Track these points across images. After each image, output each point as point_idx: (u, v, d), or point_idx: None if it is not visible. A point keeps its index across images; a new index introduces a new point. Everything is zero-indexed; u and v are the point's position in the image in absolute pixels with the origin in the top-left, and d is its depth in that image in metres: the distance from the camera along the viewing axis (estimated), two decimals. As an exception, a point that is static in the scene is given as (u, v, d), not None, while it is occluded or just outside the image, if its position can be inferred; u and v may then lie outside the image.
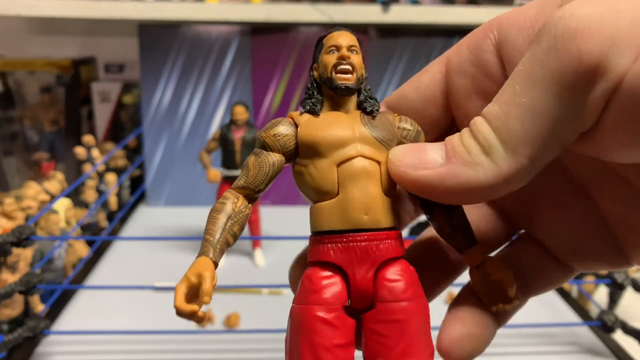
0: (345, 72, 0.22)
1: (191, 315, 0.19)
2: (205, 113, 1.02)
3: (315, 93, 0.23)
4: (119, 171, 0.99)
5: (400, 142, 0.23)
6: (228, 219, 0.21)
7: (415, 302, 0.21)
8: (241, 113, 0.78)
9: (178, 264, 0.80)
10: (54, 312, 0.67)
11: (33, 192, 0.77)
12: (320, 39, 0.24)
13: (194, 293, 0.20)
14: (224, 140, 0.79)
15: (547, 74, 0.17)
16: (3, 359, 0.56)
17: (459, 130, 0.20)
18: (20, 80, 1.13)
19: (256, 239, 0.85)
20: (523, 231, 0.26)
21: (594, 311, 0.70)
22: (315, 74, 0.23)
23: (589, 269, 0.24)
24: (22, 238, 0.57)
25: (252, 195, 0.22)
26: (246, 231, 0.85)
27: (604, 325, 0.61)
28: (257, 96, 1.02)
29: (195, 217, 0.98)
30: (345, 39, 0.23)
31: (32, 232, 0.58)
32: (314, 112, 0.22)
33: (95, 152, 0.94)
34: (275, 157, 0.22)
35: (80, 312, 0.68)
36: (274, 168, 0.22)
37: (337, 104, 0.22)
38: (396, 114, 0.24)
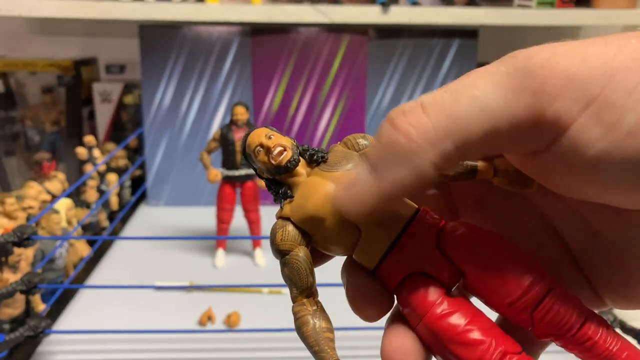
0: (280, 153, 0.23)
1: None
2: (205, 113, 1.02)
3: (277, 187, 0.24)
4: (120, 171, 1.00)
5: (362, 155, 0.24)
6: (314, 325, 0.23)
7: (485, 238, 0.22)
8: (241, 113, 0.78)
9: (179, 264, 0.81)
10: (55, 311, 0.67)
11: (34, 192, 0.77)
12: (244, 151, 0.25)
13: None
14: (224, 141, 0.79)
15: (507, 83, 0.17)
16: (4, 358, 0.56)
17: None
18: (21, 80, 1.13)
19: (256, 239, 0.85)
20: None
21: (593, 311, 0.70)
22: (265, 174, 0.25)
23: None
24: (23, 238, 0.57)
25: (310, 292, 0.24)
26: (246, 231, 0.86)
27: (602, 325, 0.61)
28: (258, 96, 1.03)
29: (196, 217, 0.98)
30: (259, 135, 0.24)
31: (33, 232, 0.58)
32: (288, 198, 0.24)
33: (96, 152, 0.94)
34: (299, 252, 0.23)
35: (81, 311, 0.69)
36: (307, 259, 0.23)
37: (296, 179, 0.24)
38: (340, 142, 0.25)
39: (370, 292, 0.22)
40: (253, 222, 0.84)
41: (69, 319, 0.67)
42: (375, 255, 0.22)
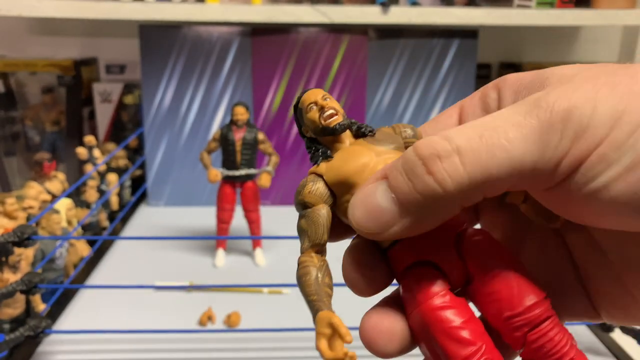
0: (332, 115, 0.24)
1: (343, 358, 0.20)
2: (205, 113, 1.02)
3: (317, 145, 0.25)
4: (120, 171, 1.00)
5: (406, 144, 0.25)
6: (317, 276, 0.23)
7: (501, 251, 0.22)
8: (241, 113, 0.78)
9: (179, 264, 0.81)
10: (56, 311, 0.67)
11: (34, 192, 0.77)
12: (296, 106, 0.26)
13: (335, 343, 0.21)
14: (224, 141, 0.79)
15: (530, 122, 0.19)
16: (4, 358, 0.56)
17: None
18: (21, 80, 1.13)
19: (256, 239, 0.85)
20: None
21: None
22: (308, 134, 0.25)
23: (564, 319, 0.24)
24: (23, 238, 0.57)
25: (320, 249, 0.24)
26: (246, 231, 0.86)
27: (602, 325, 0.61)
28: (258, 97, 1.03)
29: (196, 217, 0.98)
30: (316, 94, 0.25)
31: (33, 232, 0.58)
32: (327, 157, 0.24)
33: (96, 152, 0.94)
34: (322, 209, 0.24)
35: (81, 311, 0.69)
36: (327, 217, 0.23)
37: (338, 144, 0.25)
38: (388, 126, 0.26)
39: (373, 269, 0.23)
40: (253, 222, 0.84)
41: (69, 319, 0.67)
42: None
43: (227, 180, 0.81)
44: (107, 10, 0.89)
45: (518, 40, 1.23)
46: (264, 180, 0.79)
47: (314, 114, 0.24)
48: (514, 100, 0.22)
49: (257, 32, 1.00)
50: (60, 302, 0.69)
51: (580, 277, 0.24)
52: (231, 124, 0.79)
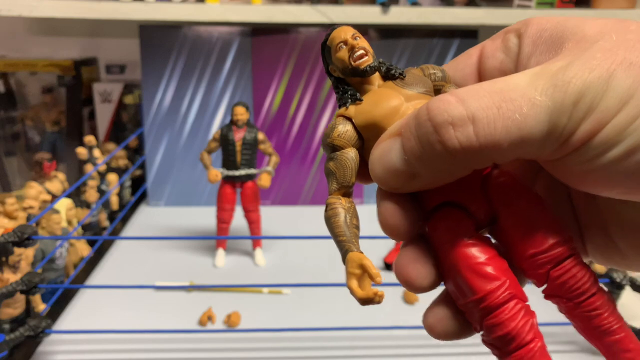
0: (362, 56, 0.24)
1: (374, 297, 0.21)
2: (206, 113, 1.03)
3: (345, 87, 0.25)
4: (120, 171, 1.00)
5: (435, 87, 0.25)
6: (345, 217, 0.23)
7: (525, 192, 0.23)
8: (242, 113, 0.78)
9: (179, 264, 0.81)
10: (56, 311, 0.67)
11: (34, 192, 0.77)
12: (324, 44, 0.26)
13: (365, 282, 0.22)
14: (224, 141, 0.79)
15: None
16: (4, 358, 0.56)
17: None
18: (21, 80, 1.13)
19: (256, 239, 0.85)
20: None
21: (592, 311, 0.70)
22: (336, 73, 0.25)
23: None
24: (23, 237, 0.57)
25: (348, 192, 0.24)
26: (246, 231, 0.86)
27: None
28: (258, 97, 1.03)
29: (196, 217, 0.98)
30: (346, 32, 0.24)
31: (33, 232, 0.58)
32: (356, 100, 0.24)
33: (96, 153, 0.94)
34: (350, 152, 0.24)
35: (81, 311, 0.69)
36: (355, 160, 0.24)
37: (367, 86, 0.24)
38: (417, 68, 0.26)
39: (405, 208, 0.23)
40: (253, 222, 0.84)
41: (69, 318, 0.67)
42: None
43: (227, 180, 0.81)
44: (107, 10, 0.89)
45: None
46: (264, 180, 0.79)
47: (343, 53, 0.24)
48: (533, 52, 0.23)
49: (257, 32, 1.00)
50: (60, 302, 0.69)
51: (576, 217, 0.25)
52: (231, 124, 0.79)
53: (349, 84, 0.25)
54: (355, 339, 0.62)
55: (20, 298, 0.61)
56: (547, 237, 0.22)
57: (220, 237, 0.83)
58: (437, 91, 0.25)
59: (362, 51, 0.24)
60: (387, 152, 0.22)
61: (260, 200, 0.85)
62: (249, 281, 0.75)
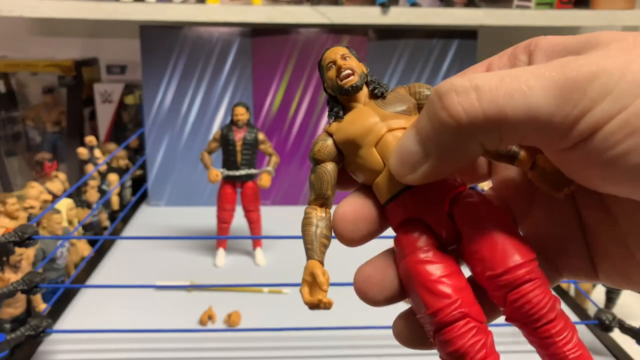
0: (347, 76, 0.26)
1: (319, 304, 0.23)
2: (206, 114, 1.03)
3: (333, 104, 0.27)
4: (121, 171, 1.00)
5: (419, 105, 0.26)
6: (316, 227, 0.25)
7: (491, 213, 0.23)
8: (242, 114, 0.79)
9: (179, 264, 0.81)
10: (56, 311, 0.67)
11: (35, 192, 0.77)
12: (319, 63, 0.28)
13: (314, 290, 0.23)
14: (224, 141, 0.79)
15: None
16: (5, 357, 0.56)
17: None
18: (22, 81, 1.13)
19: (257, 239, 0.85)
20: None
21: (591, 310, 0.70)
22: (329, 91, 0.27)
23: (564, 276, 0.25)
24: (24, 237, 0.57)
25: (325, 202, 0.26)
26: (246, 231, 0.86)
27: (601, 324, 0.61)
28: (258, 97, 1.03)
29: (196, 216, 0.98)
30: (336, 52, 0.27)
31: (34, 232, 0.58)
32: (338, 118, 0.26)
33: (97, 153, 0.94)
34: (328, 166, 0.26)
35: (82, 311, 0.69)
36: (332, 174, 0.25)
37: (353, 104, 0.26)
38: (406, 86, 0.27)
39: (367, 221, 0.24)
40: (253, 222, 0.84)
41: (70, 318, 0.67)
42: (390, 191, 0.24)
43: (227, 180, 0.81)
44: (107, 10, 0.89)
45: (517, 40, 1.22)
46: (264, 181, 0.79)
47: (332, 73, 0.26)
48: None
49: (257, 32, 1.00)
50: (61, 301, 0.69)
51: (586, 236, 0.24)
52: (231, 124, 0.79)
53: (339, 101, 0.26)
54: (355, 338, 0.62)
55: (21, 298, 0.62)
56: (507, 260, 0.22)
57: (220, 237, 0.83)
58: (420, 107, 0.26)
59: (348, 71, 0.26)
60: (403, 139, 0.22)
61: (261, 200, 0.85)
62: (249, 281, 0.75)
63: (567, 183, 0.23)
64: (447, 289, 0.22)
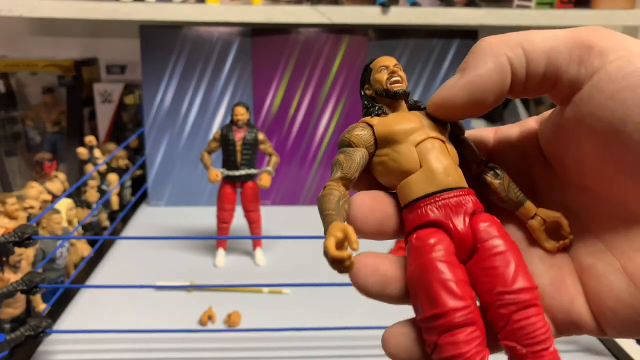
0: (398, 82, 0.27)
1: (344, 261, 0.21)
2: (206, 113, 1.03)
3: (375, 104, 0.27)
4: (121, 171, 1.00)
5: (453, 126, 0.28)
6: (339, 199, 0.24)
7: (508, 239, 0.24)
8: (242, 114, 0.79)
9: (179, 264, 0.81)
10: (56, 311, 0.67)
11: (35, 192, 0.77)
12: (368, 66, 0.28)
13: (342, 246, 0.22)
14: (224, 141, 0.79)
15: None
16: (5, 357, 0.56)
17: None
18: (22, 80, 1.13)
19: (256, 239, 0.85)
20: None
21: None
22: (369, 92, 0.28)
23: (572, 331, 0.25)
24: (24, 237, 0.57)
25: (348, 184, 0.25)
26: (246, 231, 0.86)
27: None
28: (258, 97, 1.03)
29: (196, 216, 0.98)
30: (390, 60, 0.28)
31: (34, 232, 0.58)
32: (382, 113, 0.27)
33: (97, 153, 0.94)
34: (361, 151, 0.26)
35: (82, 311, 0.69)
36: (364, 159, 0.26)
37: (393, 109, 0.27)
38: None
39: (385, 216, 0.25)
40: (253, 222, 0.84)
41: (69, 318, 0.67)
42: (423, 190, 0.24)
43: (227, 180, 0.81)
44: (107, 10, 0.89)
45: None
46: (264, 181, 0.79)
47: (382, 75, 0.27)
48: None
49: (257, 32, 1.00)
50: (60, 301, 0.69)
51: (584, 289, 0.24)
52: (231, 124, 0.79)
53: (378, 102, 0.27)
54: (355, 338, 0.62)
55: (20, 298, 0.61)
56: (518, 280, 0.22)
57: (220, 237, 0.83)
58: (454, 137, 0.27)
59: (399, 77, 0.27)
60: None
61: (261, 200, 0.85)
62: (249, 281, 0.75)
63: (562, 237, 0.25)
64: (463, 293, 0.22)
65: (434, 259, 0.22)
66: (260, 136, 0.80)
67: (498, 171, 0.27)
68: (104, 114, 1.14)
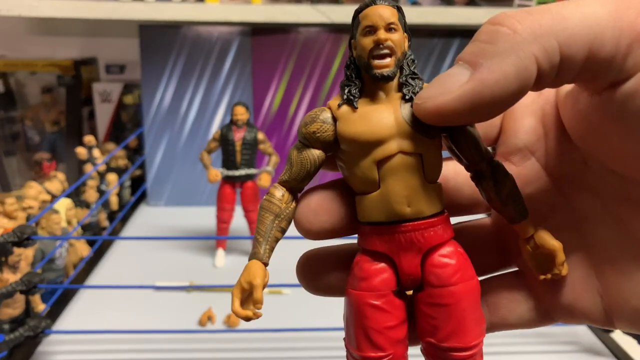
0: (383, 57, 0.21)
1: (246, 319, 0.21)
2: (205, 113, 1.02)
3: (354, 77, 0.22)
4: (120, 171, 1.00)
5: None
6: (275, 217, 0.22)
7: (463, 284, 0.22)
8: (241, 113, 0.78)
9: (179, 264, 0.81)
10: (55, 311, 0.67)
11: (34, 192, 0.77)
12: (357, 12, 0.23)
13: (248, 296, 0.21)
14: (224, 141, 0.79)
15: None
16: (4, 358, 0.56)
17: None
18: (21, 80, 1.13)
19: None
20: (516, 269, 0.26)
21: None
22: (354, 52, 0.23)
23: (568, 321, 0.24)
24: (23, 238, 0.57)
25: (296, 188, 0.23)
26: (246, 231, 0.86)
27: (602, 325, 0.61)
28: (258, 96, 1.03)
29: (195, 217, 0.98)
30: (382, 16, 0.21)
31: (33, 232, 0.58)
32: (351, 103, 0.22)
33: (96, 152, 0.94)
34: (316, 154, 0.22)
35: (81, 311, 0.69)
36: (316, 164, 0.23)
37: (377, 88, 0.22)
38: None
39: (335, 216, 0.23)
40: (253, 222, 0.84)
41: (69, 319, 0.67)
42: (376, 217, 0.22)
43: (227, 180, 0.81)
44: (107, 10, 0.89)
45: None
46: (264, 180, 0.79)
47: (367, 41, 0.21)
48: None
49: (257, 32, 1.00)
50: (60, 302, 0.69)
51: (597, 279, 0.23)
52: (231, 123, 0.79)
53: (361, 76, 0.22)
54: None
55: (19, 298, 0.61)
56: (451, 339, 0.22)
57: (220, 237, 0.83)
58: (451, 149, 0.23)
59: (386, 50, 0.21)
60: (440, 76, 0.20)
61: (260, 200, 0.84)
62: (248, 281, 0.75)
63: (552, 271, 0.22)
64: (384, 342, 0.22)
65: (364, 302, 0.22)
66: (260, 136, 0.80)
67: (499, 176, 0.22)
68: (103, 114, 1.14)
